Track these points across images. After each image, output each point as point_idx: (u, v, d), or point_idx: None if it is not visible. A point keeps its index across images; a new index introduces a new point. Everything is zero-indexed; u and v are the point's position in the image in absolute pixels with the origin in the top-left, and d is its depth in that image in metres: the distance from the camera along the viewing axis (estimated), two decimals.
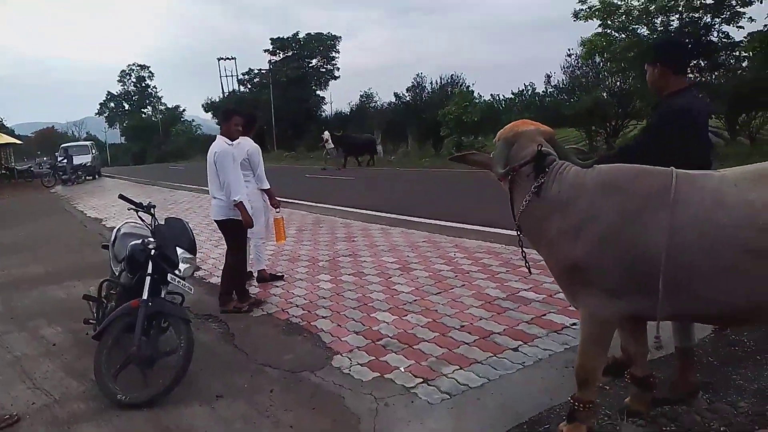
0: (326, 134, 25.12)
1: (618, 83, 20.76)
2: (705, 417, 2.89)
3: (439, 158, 25.65)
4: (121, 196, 4.37)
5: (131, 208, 4.26)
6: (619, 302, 2.45)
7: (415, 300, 5.09)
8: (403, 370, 3.73)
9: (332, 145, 24.79)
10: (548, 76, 32.38)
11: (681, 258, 2.25)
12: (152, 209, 4.27)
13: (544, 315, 4.44)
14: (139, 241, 4.13)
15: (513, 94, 27.32)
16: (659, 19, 17.25)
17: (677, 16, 17.13)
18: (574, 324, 4.19)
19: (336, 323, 4.74)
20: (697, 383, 3.12)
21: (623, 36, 17.59)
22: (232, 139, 5.28)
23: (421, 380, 3.57)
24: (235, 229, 5.29)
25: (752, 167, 2.37)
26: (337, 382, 3.69)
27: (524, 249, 2.92)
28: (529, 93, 26.69)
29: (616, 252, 2.38)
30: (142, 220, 4.29)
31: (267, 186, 6.04)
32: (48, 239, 11.12)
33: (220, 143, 5.18)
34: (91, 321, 4.53)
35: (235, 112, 5.46)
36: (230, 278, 5.41)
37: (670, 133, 2.87)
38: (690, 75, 18.66)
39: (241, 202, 5.11)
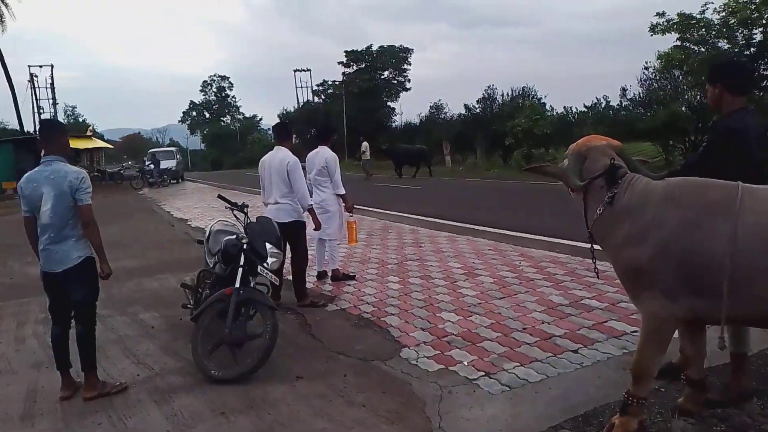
0: (364, 145, 25.94)
1: (698, 97, 20.15)
2: (756, 420, 3.02)
3: (507, 169, 25.61)
4: (220, 196, 4.92)
5: (228, 207, 4.78)
6: (679, 305, 2.62)
7: (479, 303, 5.36)
8: (466, 364, 4.02)
9: (368, 157, 25.51)
10: (623, 90, 31.62)
11: (743, 263, 2.42)
12: (246, 208, 4.77)
13: (606, 322, 4.61)
14: (233, 237, 4.63)
15: (586, 107, 26.97)
16: (741, 32, 16.68)
17: (761, 29, 16.51)
18: (635, 331, 4.34)
19: (404, 320, 5.07)
20: (750, 389, 3.24)
21: (702, 49, 17.10)
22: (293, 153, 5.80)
23: (483, 373, 3.85)
24: (301, 231, 5.84)
25: None
26: (405, 371, 4.03)
27: (595, 257, 3.15)
28: (603, 106, 26.27)
29: (678, 257, 2.56)
30: (237, 218, 4.79)
31: (342, 191, 6.50)
32: (139, 237, 12.07)
33: (290, 154, 5.69)
34: (188, 306, 5.10)
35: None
36: (303, 276, 5.89)
37: (724, 153, 3.06)
38: None
39: (311, 206, 5.80)
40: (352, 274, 6.78)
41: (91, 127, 57.51)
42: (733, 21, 16.61)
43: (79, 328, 3.99)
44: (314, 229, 6.02)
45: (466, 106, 36.13)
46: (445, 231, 9.45)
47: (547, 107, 29.47)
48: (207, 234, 5.32)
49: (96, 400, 3.92)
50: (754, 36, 16.86)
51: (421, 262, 7.22)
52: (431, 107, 44.97)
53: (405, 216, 11.38)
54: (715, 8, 17.04)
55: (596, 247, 3.08)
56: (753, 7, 16.31)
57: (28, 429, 3.64)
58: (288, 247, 5.71)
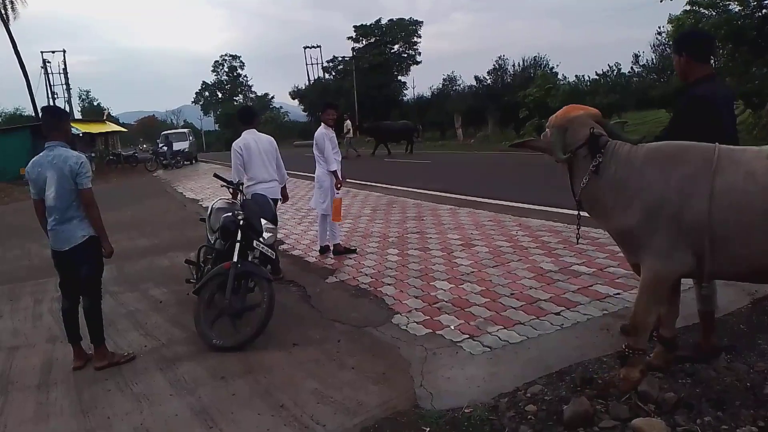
0: (347, 124, 25.09)
1: (712, 61, 19.83)
2: (720, 373, 3.17)
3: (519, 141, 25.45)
4: (216, 175, 5.13)
5: (224, 185, 4.99)
6: (673, 262, 2.75)
7: (472, 272, 5.53)
8: (452, 328, 4.22)
9: (352, 135, 24.90)
10: (636, 56, 31.18)
11: (720, 220, 2.56)
12: (241, 186, 4.98)
13: (591, 286, 4.76)
14: (230, 214, 4.85)
15: (597, 75, 26.63)
16: None
17: None
18: (618, 293, 4.50)
19: (399, 289, 5.27)
20: (718, 345, 3.39)
21: (713, 12, 16.78)
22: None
23: (468, 336, 4.04)
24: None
25: None
26: (395, 335, 4.24)
27: (579, 224, 3.31)
28: (615, 74, 25.93)
29: (664, 218, 2.69)
30: (233, 195, 5.00)
31: (333, 168, 6.68)
32: (152, 218, 12.42)
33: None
34: (191, 280, 5.36)
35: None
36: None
37: (692, 119, 3.15)
38: None
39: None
40: (353, 248, 6.99)
41: (106, 111, 58.19)
42: None
43: (86, 302, 4.26)
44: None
45: (476, 78, 35.89)
46: (447, 204, 9.59)
47: (560, 76, 29.16)
48: (209, 212, 5.55)
49: (106, 369, 4.20)
50: None
51: (421, 235, 7.39)
52: (444, 80, 44.70)
53: (410, 190, 11.54)
54: None
55: (583, 214, 3.20)
56: None
57: (44, 396, 3.93)
58: None
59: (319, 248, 7.02)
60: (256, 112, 6.84)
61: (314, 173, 6.84)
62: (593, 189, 2.96)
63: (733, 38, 16.11)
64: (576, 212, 3.23)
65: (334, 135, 6.77)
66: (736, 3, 16.78)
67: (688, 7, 17.30)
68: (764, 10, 16.38)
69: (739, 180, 2.55)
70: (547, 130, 3.25)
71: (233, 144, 6.02)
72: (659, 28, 24.17)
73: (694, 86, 3.27)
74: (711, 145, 2.69)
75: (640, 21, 48.74)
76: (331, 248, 6.90)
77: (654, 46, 31.83)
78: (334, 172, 6.69)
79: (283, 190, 6.32)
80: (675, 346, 3.26)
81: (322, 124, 6.71)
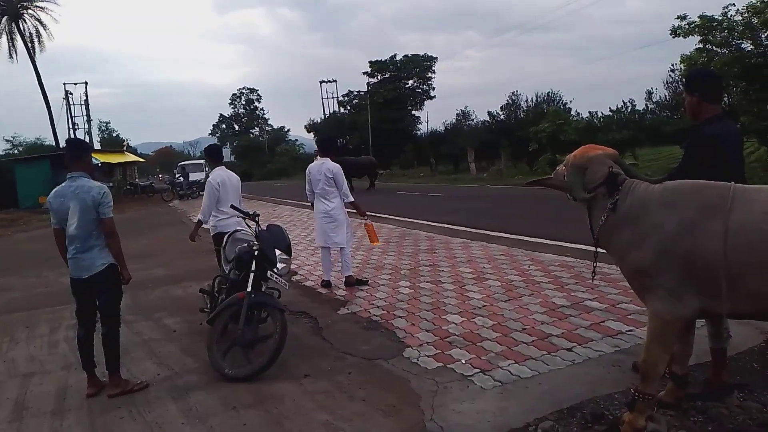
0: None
1: (725, 99, 19.88)
2: (732, 412, 3.15)
3: (533, 175, 25.57)
4: (233, 206, 5.23)
5: (240, 216, 5.09)
6: (684, 304, 2.73)
7: (484, 306, 5.54)
8: (464, 362, 4.22)
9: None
10: (649, 93, 31.35)
11: (735, 259, 2.55)
12: (257, 217, 5.08)
13: (603, 322, 4.75)
14: (246, 244, 4.94)
15: (611, 111, 26.78)
16: (765, 33, 16.45)
17: None
18: (630, 330, 4.49)
19: (410, 322, 5.29)
20: (729, 383, 3.37)
21: (725, 51, 16.92)
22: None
23: (479, 370, 4.04)
24: None
25: None
26: (406, 368, 4.25)
27: (596, 261, 3.32)
28: (629, 110, 26.06)
29: (678, 257, 2.68)
30: (248, 226, 5.09)
31: (352, 199, 6.88)
32: (167, 247, 12.55)
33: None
34: (205, 310, 5.43)
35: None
36: None
37: (702, 157, 3.22)
38: None
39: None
40: (364, 279, 7.03)
41: (125, 142, 59.33)
42: (756, 21, 16.39)
43: (104, 329, 4.33)
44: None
45: (489, 113, 36.30)
46: (460, 237, 9.63)
47: (573, 112, 29.37)
48: (224, 243, 5.64)
49: (119, 397, 4.24)
50: None
51: (434, 268, 7.42)
52: (458, 114, 45.19)
53: (423, 223, 11.60)
54: (738, 9, 16.88)
55: (600, 250, 3.19)
56: None
57: (58, 422, 3.97)
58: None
59: (321, 282, 7.07)
60: (222, 149, 7.14)
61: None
62: (611, 226, 2.98)
63: (746, 76, 16.19)
64: (594, 249, 3.22)
65: None
66: (749, 41, 16.93)
67: (700, 45, 17.49)
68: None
69: (755, 219, 2.56)
70: (560, 168, 3.31)
71: (209, 181, 6.27)
72: (672, 65, 24.33)
73: (703, 125, 3.33)
74: (727, 184, 2.69)
75: (653, 58, 49.14)
76: (344, 280, 6.94)
77: (667, 83, 32.02)
78: (353, 203, 6.87)
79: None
80: (686, 384, 3.24)
81: (328, 159, 6.86)
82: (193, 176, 31.37)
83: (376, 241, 7.13)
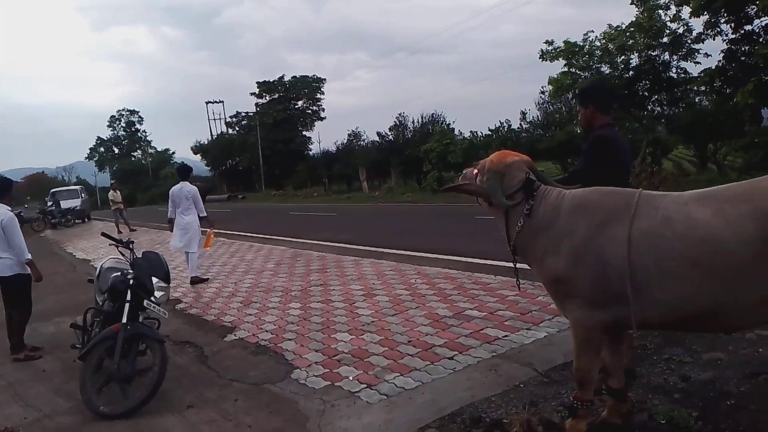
0: (112, 194, 20.98)
1: None
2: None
3: (421, 193, 26.38)
4: (104, 234, 4.96)
5: (112, 244, 4.83)
6: (599, 311, 2.71)
7: (372, 321, 5.64)
8: (351, 379, 4.27)
9: (121, 206, 20.35)
10: (523, 113, 33.70)
11: (639, 265, 2.53)
12: (131, 244, 4.84)
13: (482, 329, 5.00)
14: (119, 273, 4.69)
15: (490, 130, 28.45)
16: (620, 58, 18.26)
17: (636, 54, 18.16)
18: (506, 336, 4.76)
19: (300, 344, 5.26)
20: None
21: (587, 74, 18.57)
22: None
23: (366, 386, 4.11)
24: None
25: (704, 190, 2.65)
26: (294, 390, 4.23)
27: (517, 271, 3.27)
28: (506, 129, 27.84)
29: (589, 263, 2.67)
30: (123, 255, 4.85)
31: (205, 214, 8.95)
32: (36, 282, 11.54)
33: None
34: (77, 346, 5.06)
35: None
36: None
37: (600, 154, 3.54)
38: (656, 108, 19.66)
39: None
40: (205, 277, 8.84)
41: None
42: (612, 47, 18.16)
43: None
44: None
45: (378, 134, 37.19)
46: (351, 255, 9.72)
47: (456, 132, 30.81)
48: (97, 272, 5.32)
49: None
50: (631, 60, 18.51)
51: (325, 287, 7.43)
52: (349, 134, 45.70)
53: (315, 243, 11.56)
54: (596, 36, 18.64)
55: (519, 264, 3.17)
56: (628, 34, 17.97)
57: None
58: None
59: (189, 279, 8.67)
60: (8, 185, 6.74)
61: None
62: (527, 233, 2.97)
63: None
64: (513, 258, 3.16)
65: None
66: (607, 65, 18.69)
67: (565, 69, 19.07)
68: (631, 72, 18.34)
69: (656, 225, 2.54)
70: (467, 171, 3.39)
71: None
72: (542, 87, 26.30)
73: (598, 130, 3.67)
74: (633, 191, 2.73)
75: (526, 79, 52.75)
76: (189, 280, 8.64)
77: (538, 103, 34.56)
78: (206, 217, 8.91)
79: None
80: (626, 398, 3.14)
81: (187, 182, 8.92)
82: (67, 203, 29.08)
83: (209, 246, 9.13)
